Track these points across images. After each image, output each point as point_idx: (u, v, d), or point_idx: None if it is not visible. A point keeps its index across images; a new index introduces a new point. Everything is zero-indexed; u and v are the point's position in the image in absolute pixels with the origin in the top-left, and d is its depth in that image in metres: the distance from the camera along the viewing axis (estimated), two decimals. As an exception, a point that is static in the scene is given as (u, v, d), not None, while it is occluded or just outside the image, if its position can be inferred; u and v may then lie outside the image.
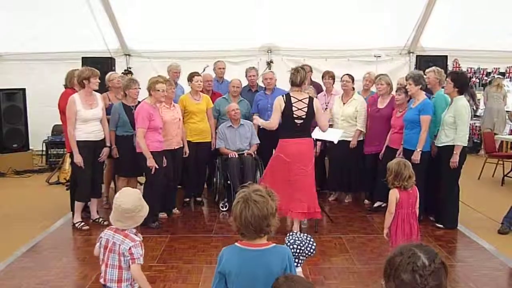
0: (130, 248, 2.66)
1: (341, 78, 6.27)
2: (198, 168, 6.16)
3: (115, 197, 2.73)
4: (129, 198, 2.69)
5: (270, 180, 4.78)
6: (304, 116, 4.84)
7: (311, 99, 4.91)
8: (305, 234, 2.83)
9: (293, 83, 4.98)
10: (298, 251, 2.72)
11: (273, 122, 4.96)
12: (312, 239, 2.80)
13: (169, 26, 8.56)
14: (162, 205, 5.55)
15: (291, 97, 4.87)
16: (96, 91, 5.28)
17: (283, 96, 4.96)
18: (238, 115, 6.16)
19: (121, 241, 2.67)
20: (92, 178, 5.27)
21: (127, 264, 2.68)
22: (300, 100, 4.85)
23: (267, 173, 5.09)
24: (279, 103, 4.88)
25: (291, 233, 2.82)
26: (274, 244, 2.19)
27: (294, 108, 4.82)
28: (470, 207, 5.87)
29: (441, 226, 5.21)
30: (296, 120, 4.84)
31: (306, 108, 4.83)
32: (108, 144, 5.40)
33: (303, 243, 2.74)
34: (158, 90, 5.14)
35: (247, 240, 2.15)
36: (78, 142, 5.08)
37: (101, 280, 2.75)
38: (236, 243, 2.19)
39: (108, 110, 5.61)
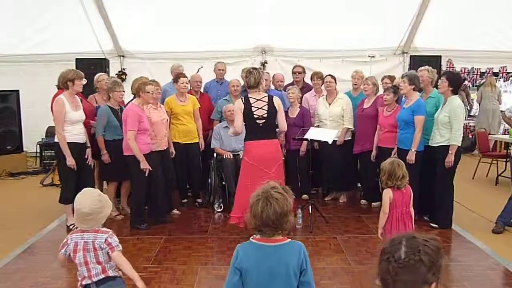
0: (106, 240, 2.64)
1: (324, 79, 6.28)
2: (192, 168, 6.14)
3: (75, 198, 2.71)
4: (87, 202, 2.64)
5: (242, 186, 4.75)
6: (265, 115, 4.72)
7: (270, 98, 4.81)
8: None
9: (249, 86, 4.85)
10: None
11: (237, 126, 4.76)
12: None
13: (163, 28, 8.56)
14: (151, 207, 5.51)
15: (250, 98, 4.76)
16: (82, 92, 5.25)
17: (241, 98, 4.88)
18: (233, 116, 6.12)
19: (93, 237, 2.65)
20: (79, 181, 5.14)
21: (105, 257, 2.66)
22: (259, 100, 4.75)
23: (240, 179, 4.88)
24: (238, 107, 4.78)
25: None
26: (289, 240, 2.21)
27: (253, 108, 4.71)
28: (464, 207, 5.90)
29: (435, 225, 5.23)
30: (257, 121, 4.72)
31: (267, 106, 4.73)
32: (88, 145, 5.33)
33: None
34: (148, 92, 5.11)
35: (265, 236, 2.16)
36: (68, 144, 5.01)
37: (84, 282, 2.66)
38: (251, 239, 2.20)
39: (95, 112, 5.61)
